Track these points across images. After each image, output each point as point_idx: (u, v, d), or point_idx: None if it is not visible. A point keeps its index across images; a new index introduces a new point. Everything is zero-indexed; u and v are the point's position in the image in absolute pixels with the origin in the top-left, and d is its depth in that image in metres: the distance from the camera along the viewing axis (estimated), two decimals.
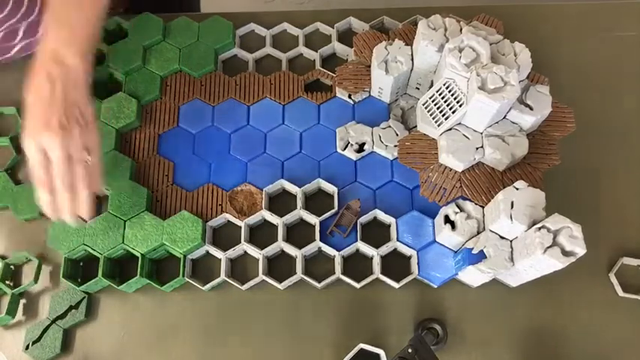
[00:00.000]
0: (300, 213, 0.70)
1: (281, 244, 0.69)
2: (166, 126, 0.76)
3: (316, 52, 0.80)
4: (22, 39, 0.76)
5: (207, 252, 0.70)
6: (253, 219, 0.70)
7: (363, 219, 0.70)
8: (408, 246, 0.68)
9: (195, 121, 0.76)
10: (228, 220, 0.71)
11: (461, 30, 0.66)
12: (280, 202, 0.73)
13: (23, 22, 0.74)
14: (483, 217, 0.64)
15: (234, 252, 0.69)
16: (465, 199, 0.66)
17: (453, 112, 0.65)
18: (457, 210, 0.64)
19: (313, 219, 0.70)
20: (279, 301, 0.69)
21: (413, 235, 0.68)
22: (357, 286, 0.67)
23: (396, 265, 0.69)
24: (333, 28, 0.82)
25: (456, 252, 0.67)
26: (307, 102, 0.77)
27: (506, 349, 0.66)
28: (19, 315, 0.69)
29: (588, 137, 0.76)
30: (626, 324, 0.67)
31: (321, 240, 0.68)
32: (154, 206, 0.72)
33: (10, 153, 0.76)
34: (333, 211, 0.70)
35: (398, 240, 0.68)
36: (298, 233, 0.71)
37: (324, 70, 0.79)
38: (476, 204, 0.65)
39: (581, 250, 0.54)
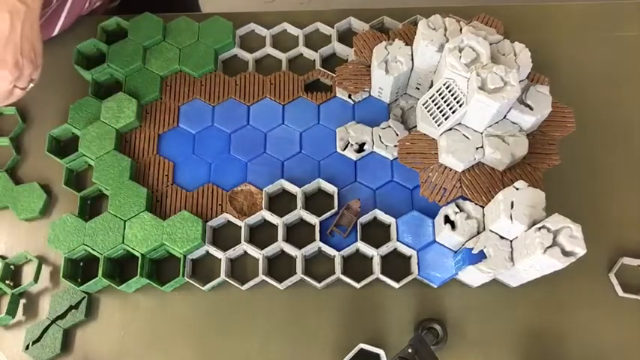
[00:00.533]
0: (300, 213, 0.70)
1: (281, 244, 0.69)
2: (166, 126, 0.76)
3: (316, 52, 0.80)
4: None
5: (207, 252, 0.70)
6: (253, 219, 0.70)
7: (363, 219, 0.70)
8: (408, 246, 0.68)
9: (195, 121, 0.76)
10: (228, 220, 0.71)
11: (461, 30, 0.66)
12: (280, 202, 0.73)
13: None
14: (483, 217, 0.64)
15: (234, 252, 0.69)
16: (465, 199, 0.66)
17: (453, 112, 0.65)
18: (457, 210, 0.64)
19: (313, 219, 0.70)
20: (279, 301, 0.69)
21: (413, 235, 0.68)
22: (357, 286, 0.67)
23: (396, 265, 0.69)
24: (333, 28, 0.82)
25: (456, 252, 0.67)
26: (307, 102, 0.77)
27: (506, 349, 0.66)
28: (19, 315, 0.69)
29: (588, 137, 0.76)
30: (626, 324, 0.67)
31: (321, 240, 0.68)
32: (154, 206, 0.72)
33: (10, 153, 0.76)
34: (333, 211, 0.70)
35: (398, 240, 0.68)
36: (298, 233, 0.71)
37: (324, 70, 0.79)
38: (476, 204, 0.65)
39: (581, 250, 0.54)
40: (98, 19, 0.82)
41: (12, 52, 0.60)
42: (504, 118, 0.66)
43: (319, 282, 0.67)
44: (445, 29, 0.66)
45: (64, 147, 0.77)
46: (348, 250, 0.68)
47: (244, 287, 0.68)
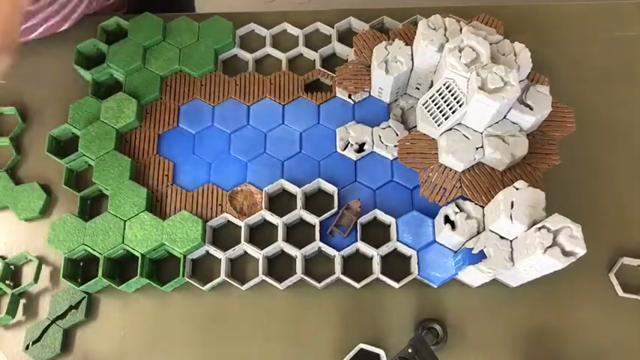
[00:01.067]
0: (300, 213, 0.70)
1: (281, 244, 0.69)
2: (166, 126, 0.76)
3: (316, 52, 0.80)
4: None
5: (207, 252, 0.70)
6: (253, 219, 0.70)
7: (363, 219, 0.70)
8: (408, 246, 0.68)
9: (195, 121, 0.76)
10: (228, 220, 0.71)
11: (461, 30, 0.66)
12: (280, 202, 0.73)
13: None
14: (483, 217, 0.64)
15: (234, 252, 0.69)
16: (465, 199, 0.66)
17: (453, 112, 0.65)
18: (457, 210, 0.64)
19: (313, 219, 0.70)
20: (279, 301, 0.69)
21: (413, 235, 0.68)
22: (357, 286, 0.67)
23: (396, 265, 0.69)
24: (333, 28, 0.82)
25: (456, 252, 0.67)
26: (307, 102, 0.77)
27: (506, 349, 0.66)
28: (19, 315, 0.69)
29: (588, 137, 0.76)
30: (626, 324, 0.67)
31: (321, 240, 0.68)
32: (153, 206, 0.72)
33: (10, 153, 0.76)
34: (333, 211, 0.70)
35: (398, 240, 0.68)
36: (298, 233, 0.71)
37: (324, 70, 0.79)
38: (476, 204, 0.65)
39: (581, 250, 0.54)
40: (98, 19, 0.82)
41: None
42: (504, 118, 0.66)
43: (319, 282, 0.67)
44: (445, 29, 0.66)
45: (64, 147, 0.77)
46: (348, 250, 0.68)
47: (244, 287, 0.68)
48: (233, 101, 0.77)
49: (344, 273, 0.68)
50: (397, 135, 0.73)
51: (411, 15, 0.81)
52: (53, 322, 0.67)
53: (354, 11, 0.83)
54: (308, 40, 0.82)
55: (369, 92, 0.77)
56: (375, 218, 0.71)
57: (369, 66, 0.75)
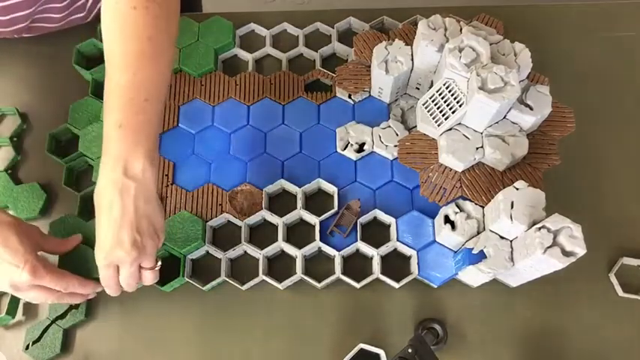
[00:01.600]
0: (300, 213, 0.70)
1: (281, 244, 0.69)
2: (166, 126, 0.76)
3: (316, 52, 0.80)
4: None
5: (207, 252, 0.70)
6: (253, 219, 0.70)
7: (363, 219, 0.70)
8: (408, 246, 0.68)
9: (195, 121, 0.76)
10: (228, 220, 0.71)
11: (461, 30, 0.66)
12: (280, 202, 0.73)
13: None
14: (483, 217, 0.64)
15: (234, 252, 0.69)
16: (465, 199, 0.66)
17: (453, 112, 0.65)
18: (457, 210, 0.64)
19: (313, 219, 0.70)
20: (279, 301, 0.69)
21: (413, 235, 0.68)
22: (357, 286, 0.67)
23: (396, 265, 0.69)
24: (333, 28, 0.82)
25: (456, 252, 0.67)
26: (307, 102, 0.77)
27: (506, 349, 0.66)
28: (19, 315, 0.68)
29: (588, 137, 0.76)
30: (626, 324, 0.67)
31: (321, 240, 0.68)
32: None
33: (10, 153, 0.76)
34: (333, 211, 0.70)
35: (398, 240, 0.68)
36: (298, 233, 0.71)
37: (324, 70, 0.79)
38: (476, 204, 0.65)
39: (581, 250, 0.54)
40: (98, 19, 0.82)
41: (128, 233, 0.55)
42: (504, 118, 0.66)
43: (319, 282, 0.67)
44: (445, 29, 0.66)
45: (64, 147, 0.77)
46: (348, 250, 0.68)
47: (244, 287, 0.68)
48: (233, 101, 0.77)
49: (344, 273, 0.68)
50: (397, 135, 0.73)
51: (411, 15, 0.81)
52: (53, 322, 0.67)
53: (354, 11, 0.83)
54: (308, 40, 0.82)
55: (369, 92, 0.77)
56: (375, 218, 0.71)
57: (369, 66, 0.75)
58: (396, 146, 0.72)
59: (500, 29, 0.76)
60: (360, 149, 0.74)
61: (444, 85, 0.65)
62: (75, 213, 0.71)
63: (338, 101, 0.77)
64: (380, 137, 0.73)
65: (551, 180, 0.70)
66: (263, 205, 0.70)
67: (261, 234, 0.71)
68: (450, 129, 0.67)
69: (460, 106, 0.64)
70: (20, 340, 0.66)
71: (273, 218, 0.70)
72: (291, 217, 0.70)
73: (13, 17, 0.74)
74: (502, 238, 0.61)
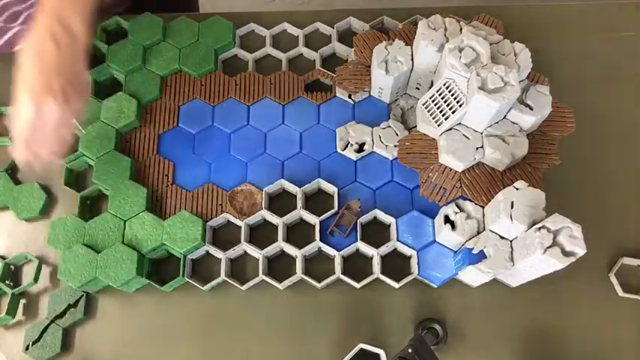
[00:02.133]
0: (300, 213, 0.70)
1: (281, 244, 0.69)
2: (166, 126, 0.76)
3: (316, 52, 0.80)
4: (20, 24, 0.77)
5: (207, 252, 0.70)
6: (253, 219, 0.70)
7: (363, 219, 0.70)
8: (408, 246, 0.68)
9: (195, 121, 0.76)
10: (228, 220, 0.71)
11: (461, 30, 0.66)
12: (280, 202, 0.73)
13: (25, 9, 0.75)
14: (483, 217, 0.64)
15: (234, 252, 0.69)
16: (465, 199, 0.66)
17: (453, 112, 0.65)
18: (457, 210, 0.64)
19: (313, 219, 0.70)
20: (279, 301, 0.69)
21: (413, 235, 0.68)
22: (357, 286, 0.67)
23: (396, 265, 0.69)
24: (333, 28, 0.82)
25: (456, 252, 0.67)
26: (307, 102, 0.77)
27: (506, 349, 0.66)
28: (19, 315, 0.69)
29: (588, 137, 0.76)
30: (626, 324, 0.67)
31: (321, 240, 0.68)
32: (153, 206, 0.72)
33: (10, 153, 0.76)
34: (333, 211, 0.70)
35: (398, 240, 0.68)
36: (298, 233, 0.71)
37: (324, 70, 0.79)
38: (476, 204, 0.65)
39: (581, 250, 0.54)
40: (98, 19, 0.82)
41: (59, 81, 0.58)
42: (504, 118, 0.66)
43: (319, 282, 0.67)
44: (445, 29, 0.66)
45: None
46: (348, 250, 0.68)
47: (244, 287, 0.68)
48: (233, 101, 0.77)
49: (344, 273, 0.68)
50: (397, 135, 0.73)
51: (411, 15, 0.81)
52: (52, 321, 0.67)
53: (354, 11, 0.83)
54: (308, 40, 0.82)
55: (369, 92, 0.77)
56: (375, 218, 0.71)
57: (369, 66, 0.75)
58: (396, 146, 0.72)
59: (500, 29, 0.76)
60: (360, 149, 0.74)
61: (444, 85, 0.65)
62: (75, 213, 0.71)
63: (338, 101, 0.77)
64: (380, 137, 0.73)
65: (551, 180, 0.70)
66: (263, 205, 0.70)
67: (261, 234, 0.71)
68: (450, 129, 0.67)
69: (460, 106, 0.64)
70: (20, 340, 0.66)
71: (273, 218, 0.70)
72: (291, 217, 0.70)
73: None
74: (502, 238, 0.61)
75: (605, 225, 0.71)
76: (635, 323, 0.67)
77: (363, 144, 0.74)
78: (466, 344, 0.66)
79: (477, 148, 0.66)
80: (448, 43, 0.63)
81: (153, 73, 0.78)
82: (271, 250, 0.69)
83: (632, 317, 0.67)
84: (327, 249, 0.68)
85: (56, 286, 0.70)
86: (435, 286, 0.68)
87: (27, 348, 0.66)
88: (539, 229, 0.55)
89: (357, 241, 0.68)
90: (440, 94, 0.66)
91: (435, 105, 0.66)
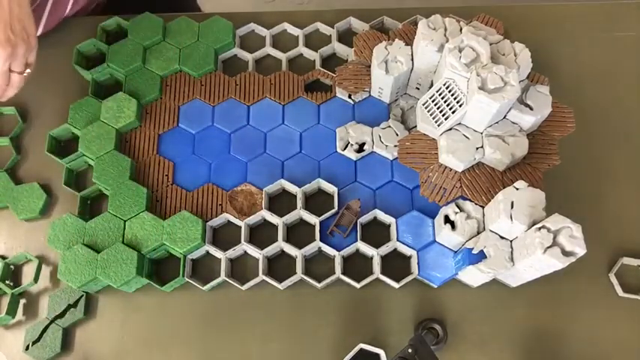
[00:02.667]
0: (300, 213, 0.70)
1: (281, 244, 0.69)
2: (166, 126, 0.76)
3: (316, 52, 0.80)
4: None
5: (207, 252, 0.70)
6: (253, 219, 0.70)
7: (363, 219, 0.70)
8: (408, 246, 0.68)
9: (195, 121, 0.76)
10: (228, 220, 0.71)
11: (461, 30, 0.66)
12: (280, 202, 0.73)
13: None
14: (483, 217, 0.64)
15: (234, 252, 0.69)
16: (465, 199, 0.66)
17: (453, 112, 0.65)
18: (457, 210, 0.64)
19: (313, 219, 0.70)
20: (279, 301, 0.69)
21: (413, 235, 0.68)
22: (357, 286, 0.67)
23: (396, 265, 0.69)
24: (333, 28, 0.82)
25: (456, 252, 0.67)
26: (307, 102, 0.77)
27: (506, 349, 0.66)
28: (19, 315, 0.69)
29: (588, 137, 0.76)
30: (626, 324, 0.67)
31: (321, 240, 0.68)
32: (153, 206, 0.72)
33: (10, 153, 0.76)
34: (333, 211, 0.70)
35: (398, 240, 0.68)
36: (298, 233, 0.71)
37: (324, 70, 0.79)
38: (476, 204, 0.65)
39: (581, 250, 0.54)
40: (98, 19, 0.82)
41: (2, 30, 0.59)
42: (504, 118, 0.66)
43: (319, 282, 0.67)
44: (445, 29, 0.66)
45: (64, 147, 0.77)
46: (348, 250, 0.68)
47: (244, 287, 0.68)
48: (233, 101, 0.77)
49: (344, 273, 0.68)
50: (397, 135, 0.73)
51: (411, 15, 0.81)
52: (52, 321, 0.67)
53: (354, 11, 0.83)
54: (308, 40, 0.82)
55: (369, 92, 0.77)
56: (375, 218, 0.71)
57: (369, 66, 0.75)
58: (396, 146, 0.72)
59: (500, 29, 0.76)
60: (360, 149, 0.74)
61: (444, 85, 0.65)
62: (75, 213, 0.71)
63: (338, 101, 0.77)
64: (380, 137, 0.73)
65: (551, 180, 0.70)
66: (263, 205, 0.70)
67: (261, 234, 0.71)
68: (450, 129, 0.67)
69: (460, 106, 0.64)
70: (20, 340, 0.67)
71: (273, 218, 0.70)
72: (291, 217, 0.70)
73: None
74: (502, 238, 0.61)
75: (605, 225, 0.71)
76: (635, 323, 0.67)
77: (363, 144, 0.74)
78: (466, 344, 0.66)
79: (477, 148, 0.66)
80: (448, 43, 0.63)
81: (153, 73, 0.78)
82: (271, 250, 0.69)
83: (632, 317, 0.67)
84: (327, 249, 0.68)
85: (56, 286, 0.70)
86: (435, 286, 0.68)
87: (27, 348, 0.66)
88: (539, 229, 0.55)
89: (357, 241, 0.68)
90: (440, 94, 0.66)
91: (435, 105, 0.66)
